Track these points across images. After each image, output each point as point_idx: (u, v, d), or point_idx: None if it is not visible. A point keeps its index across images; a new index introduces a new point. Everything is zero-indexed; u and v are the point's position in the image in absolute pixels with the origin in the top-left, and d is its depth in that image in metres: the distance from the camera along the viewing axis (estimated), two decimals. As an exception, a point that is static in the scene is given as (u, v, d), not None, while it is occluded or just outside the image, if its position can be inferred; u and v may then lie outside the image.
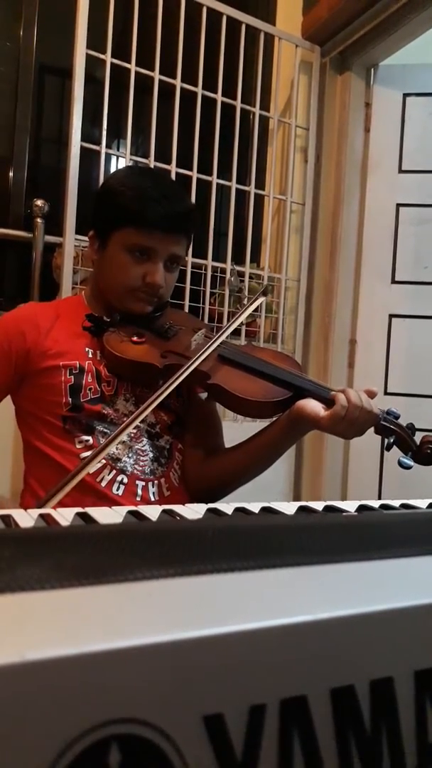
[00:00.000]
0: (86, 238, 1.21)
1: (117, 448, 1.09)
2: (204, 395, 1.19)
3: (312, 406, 1.06)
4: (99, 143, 1.96)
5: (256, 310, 2.27)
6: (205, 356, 1.08)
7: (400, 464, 1.05)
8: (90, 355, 1.13)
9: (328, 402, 1.06)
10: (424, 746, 0.34)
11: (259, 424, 1.16)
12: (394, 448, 1.08)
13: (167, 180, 1.24)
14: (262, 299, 1.32)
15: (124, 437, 1.01)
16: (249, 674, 0.30)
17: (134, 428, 1.11)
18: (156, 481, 1.12)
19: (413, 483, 2.19)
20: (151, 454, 1.13)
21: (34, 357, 1.10)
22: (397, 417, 1.09)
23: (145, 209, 1.08)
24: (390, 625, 0.34)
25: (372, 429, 1.08)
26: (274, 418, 1.14)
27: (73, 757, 0.26)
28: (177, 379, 1.02)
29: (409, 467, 1.04)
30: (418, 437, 1.09)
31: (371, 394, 1.08)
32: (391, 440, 1.07)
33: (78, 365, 1.11)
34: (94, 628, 0.29)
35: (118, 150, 2.16)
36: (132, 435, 1.11)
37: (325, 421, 1.04)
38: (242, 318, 1.27)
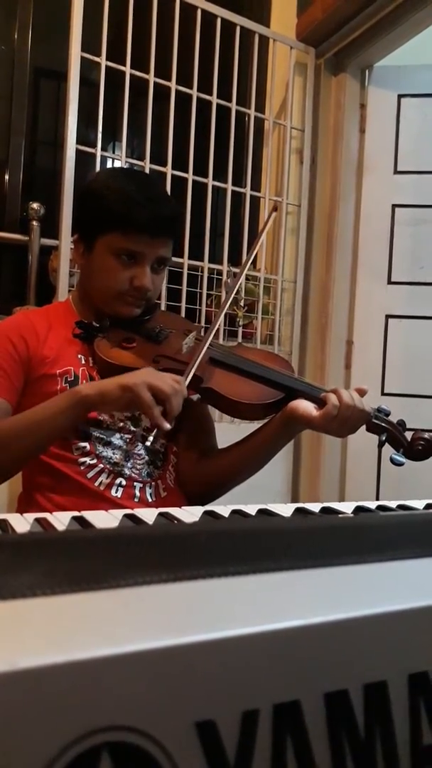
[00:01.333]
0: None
1: (115, 454, 1.09)
2: (196, 397, 1.18)
3: (304, 406, 1.06)
4: (94, 146, 1.96)
5: (252, 309, 2.28)
6: (218, 323, 1.13)
7: (393, 461, 1.06)
8: (83, 362, 1.13)
9: (320, 402, 1.06)
10: (419, 749, 0.34)
11: (255, 426, 1.16)
12: (386, 445, 1.08)
13: (151, 182, 1.23)
14: (274, 214, 1.34)
15: (141, 450, 1.13)
16: (242, 679, 0.30)
17: (130, 434, 1.12)
18: (153, 483, 1.12)
19: (411, 483, 2.19)
20: (147, 458, 1.13)
21: (34, 364, 1.10)
22: (387, 414, 1.09)
23: (130, 213, 1.07)
24: (384, 628, 0.34)
25: (364, 427, 1.09)
26: (267, 419, 1.14)
27: (64, 765, 0.26)
28: (205, 344, 1.09)
29: (401, 464, 1.05)
30: (409, 434, 1.09)
31: (362, 393, 1.09)
32: (383, 438, 1.08)
33: (73, 373, 1.11)
34: (86, 635, 0.28)
35: (113, 152, 2.16)
36: (128, 440, 1.12)
37: (317, 421, 1.04)
38: (257, 246, 1.28)
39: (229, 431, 1.33)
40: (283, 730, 0.31)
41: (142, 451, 1.13)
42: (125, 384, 0.94)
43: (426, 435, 1.07)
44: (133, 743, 0.27)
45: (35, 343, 1.10)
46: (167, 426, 0.94)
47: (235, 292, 1.28)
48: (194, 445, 1.20)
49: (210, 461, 1.19)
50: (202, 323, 2.17)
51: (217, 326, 1.16)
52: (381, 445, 1.08)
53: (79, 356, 1.13)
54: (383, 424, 1.08)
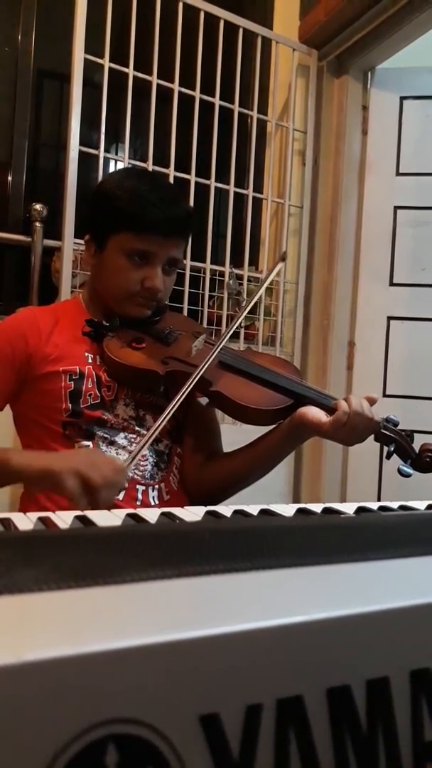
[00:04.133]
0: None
1: (119, 454, 1.09)
2: (204, 400, 1.18)
3: (314, 412, 1.06)
4: (97, 147, 1.96)
5: (254, 311, 2.28)
6: (224, 340, 1.11)
7: (400, 472, 1.05)
8: (90, 360, 1.13)
9: (330, 409, 1.06)
10: (420, 745, 0.34)
11: (260, 428, 1.16)
12: (394, 455, 1.08)
13: (164, 182, 1.23)
14: (280, 265, 1.33)
15: (145, 451, 1.07)
16: (245, 674, 0.30)
17: (134, 434, 1.12)
18: (156, 486, 1.12)
19: (412, 486, 2.19)
20: (151, 459, 1.13)
21: (35, 362, 1.09)
22: (396, 424, 1.09)
23: (143, 214, 1.07)
24: (386, 625, 0.35)
25: (372, 437, 1.08)
26: (275, 425, 1.14)
27: (70, 757, 0.26)
28: (200, 372, 1.04)
29: (408, 475, 1.04)
30: (417, 444, 1.08)
31: (372, 401, 1.08)
32: (391, 448, 1.07)
33: (78, 370, 1.10)
34: (92, 629, 0.29)
35: (116, 154, 2.17)
36: (132, 440, 1.11)
37: (327, 428, 1.04)
38: (261, 290, 1.28)
39: (231, 433, 1.34)
40: (286, 724, 0.31)
41: (146, 452, 1.12)
42: (49, 468, 0.86)
43: None
44: (138, 735, 0.27)
45: (37, 341, 1.10)
46: None
47: (249, 301, 1.28)
48: (200, 449, 1.20)
49: (215, 465, 1.18)
50: (204, 325, 2.17)
51: (229, 334, 1.16)
52: (388, 456, 1.07)
53: (87, 354, 1.13)
54: (392, 435, 1.07)
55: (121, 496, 1.07)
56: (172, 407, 1.00)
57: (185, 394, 1.01)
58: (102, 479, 0.85)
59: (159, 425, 0.98)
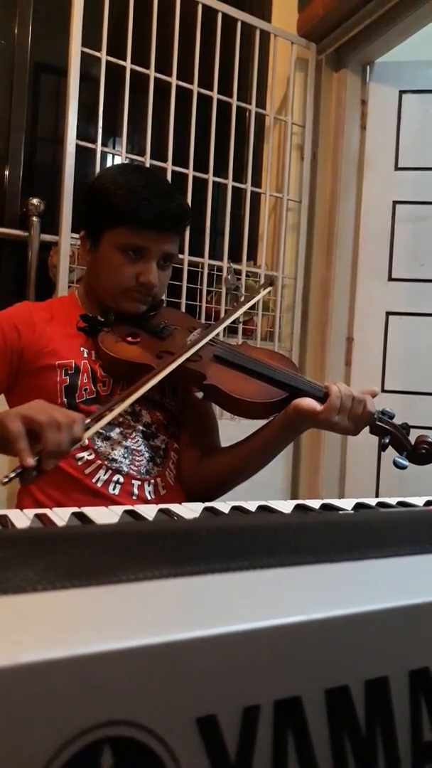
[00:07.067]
0: (83, 237, 1.20)
1: (114, 449, 1.09)
2: (200, 394, 1.18)
3: (308, 402, 1.06)
4: (95, 141, 1.95)
5: (253, 306, 2.28)
6: (211, 336, 1.11)
7: (396, 464, 1.05)
8: (85, 355, 1.13)
9: (323, 399, 1.06)
10: (419, 745, 0.34)
11: (257, 423, 1.16)
12: (390, 448, 1.08)
13: (159, 177, 1.23)
14: (269, 289, 1.34)
15: (141, 446, 1.10)
16: (243, 675, 0.30)
17: (130, 429, 1.11)
18: (152, 481, 1.12)
19: (411, 480, 2.19)
20: (146, 454, 1.13)
21: (28, 355, 1.10)
22: (391, 417, 1.09)
23: (138, 209, 1.08)
24: (385, 624, 0.34)
25: (368, 429, 1.08)
26: (270, 418, 1.14)
27: (65, 760, 0.26)
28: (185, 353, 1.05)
29: (404, 467, 1.05)
30: (412, 437, 1.09)
31: (373, 394, 1.08)
32: (387, 440, 1.07)
33: (74, 365, 1.10)
34: (87, 630, 0.28)
35: (113, 148, 2.16)
36: (128, 435, 1.11)
37: (322, 415, 1.04)
38: (251, 303, 1.30)
39: (230, 428, 1.33)
40: (284, 726, 0.31)
41: (142, 447, 1.13)
42: None
43: (430, 439, 1.07)
44: (134, 738, 0.27)
45: (29, 334, 1.11)
46: (28, 461, 0.79)
47: (243, 298, 1.28)
48: (196, 444, 1.20)
49: (212, 460, 1.18)
50: (202, 320, 2.16)
51: (222, 326, 1.16)
52: (384, 447, 1.08)
53: (82, 349, 1.13)
54: (387, 427, 1.08)
55: (117, 491, 1.06)
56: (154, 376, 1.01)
57: (173, 366, 1.03)
58: (47, 418, 0.82)
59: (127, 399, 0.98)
